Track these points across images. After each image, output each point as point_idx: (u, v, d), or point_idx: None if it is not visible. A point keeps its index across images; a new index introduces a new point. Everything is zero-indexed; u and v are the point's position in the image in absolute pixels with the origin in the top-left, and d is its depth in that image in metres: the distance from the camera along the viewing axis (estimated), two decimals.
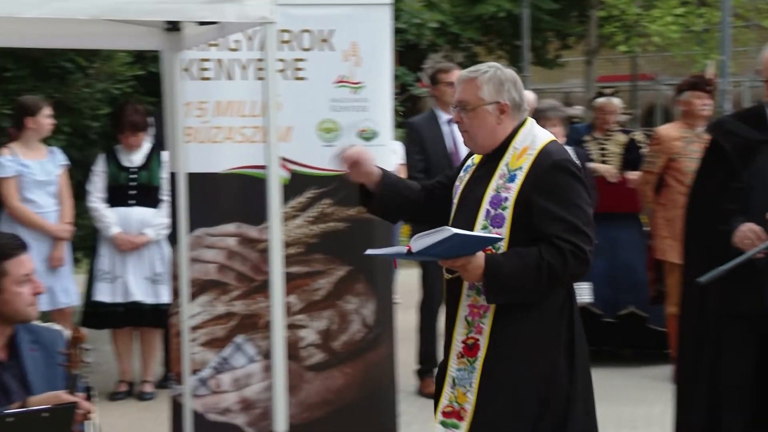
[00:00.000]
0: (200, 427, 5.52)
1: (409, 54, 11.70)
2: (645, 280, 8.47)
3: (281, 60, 5.51)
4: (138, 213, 7.77)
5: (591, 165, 8.43)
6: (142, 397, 7.89)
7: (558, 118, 8.03)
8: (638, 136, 9.05)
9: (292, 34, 5.63)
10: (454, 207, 4.41)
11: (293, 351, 5.54)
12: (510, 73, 4.38)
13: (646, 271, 8.47)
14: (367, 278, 5.68)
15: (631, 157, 8.73)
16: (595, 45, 25.98)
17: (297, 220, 5.63)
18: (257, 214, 5.15)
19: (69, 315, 7.71)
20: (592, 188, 7.99)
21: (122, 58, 8.39)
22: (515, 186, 4.20)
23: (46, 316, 7.01)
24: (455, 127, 6.95)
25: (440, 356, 4.50)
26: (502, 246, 4.17)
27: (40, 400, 3.64)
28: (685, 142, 7.98)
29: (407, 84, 14.72)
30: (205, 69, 5.62)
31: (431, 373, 7.38)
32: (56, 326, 4.24)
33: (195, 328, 5.62)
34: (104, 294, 7.74)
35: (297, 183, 5.63)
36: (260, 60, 5.30)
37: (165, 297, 7.57)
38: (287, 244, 5.35)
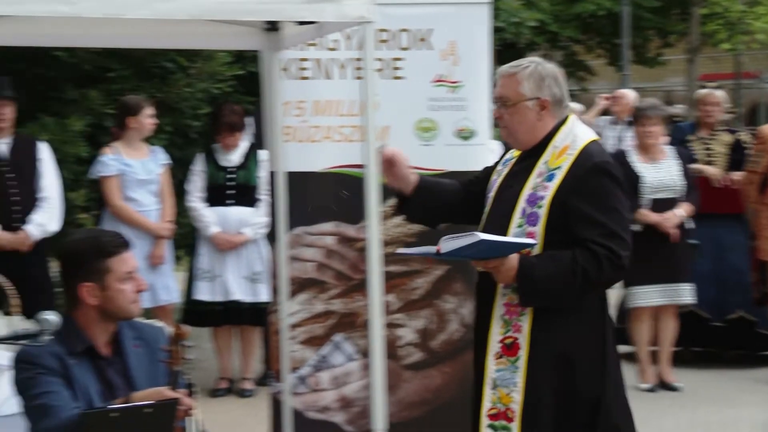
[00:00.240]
0: (299, 424, 5.55)
1: (507, 53, 11.64)
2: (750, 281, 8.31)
3: (379, 59, 5.51)
4: (236, 212, 7.84)
5: (695, 166, 8.27)
6: (242, 394, 7.97)
7: (658, 117, 7.93)
8: (744, 136, 8.75)
9: (391, 33, 5.63)
10: (490, 201, 4.33)
11: (391, 350, 5.54)
12: (551, 68, 4.29)
13: (750, 273, 8.31)
14: (465, 278, 5.65)
15: (736, 158, 8.51)
16: (697, 43, 25.58)
17: (395, 218, 5.63)
18: (355, 213, 5.16)
19: (170, 312, 7.80)
20: (693, 188, 7.91)
21: (222, 58, 8.48)
22: (552, 185, 4.12)
23: (147, 313, 7.11)
24: None
25: None
26: (536, 247, 4.10)
27: (143, 396, 3.68)
28: None
29: None
30: (304, 68, 5.65)
31: None
32: (159, 323, 4.29)
33: (294, 327, 5.65)
34: (204, 293, 7.83)
35: None
36: (358, 59, 5.31)
37: (263, 295, 7.63)
38: (385, 243, 5.34)
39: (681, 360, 8.40)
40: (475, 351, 4.32)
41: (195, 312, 7.87)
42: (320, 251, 5.74)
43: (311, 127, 5.66)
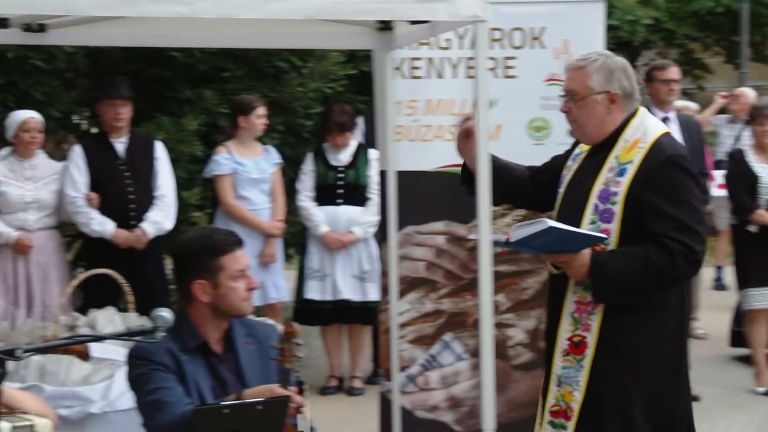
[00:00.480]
0: (408, 423, 5.54)
1: (621, 51, 11.48)
2: None
3: (492, 58, 5.49)
4: (345, 212, 7.87)
5: None
6: (351, 392, 8.00)
7: None
8: None
9: (503, 32, 5.60)
10: (560, 197, 4.29)
11: (501, 350, 5.51)
12: (621, 61, 4.23)
13: None
14: None
15: None
16: None
17: (506, 218, 5.59)
18: (466, 213, 5.14)
19: (279, 310, 7.88)
20: None
21: (335, 57, 8.52)
22: (625, 180, 4.06)
23: (257, 311, 7.19)
24: (671, 125, 6.78)
25: None
26: (612, 243, 4.03)
27: (255, 393, 3.71)
28: None
29: None
30: (416, 68, 5.66)
31: None
32: (270, 321, 4.33)
33: (403, 326, 5.66)
34: (314, 292, 7.87)
35: None
36: (471, 58, 5.28)
37: (373, 294, 7.66)
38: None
39: None
40: (545, 346, 4.31)
41: (305, 311, 7.93)
42: (430, 250, 5.73)
43: (423, 126, 5.67)
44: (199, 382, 3.85)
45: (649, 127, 4.18)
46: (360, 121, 8.20)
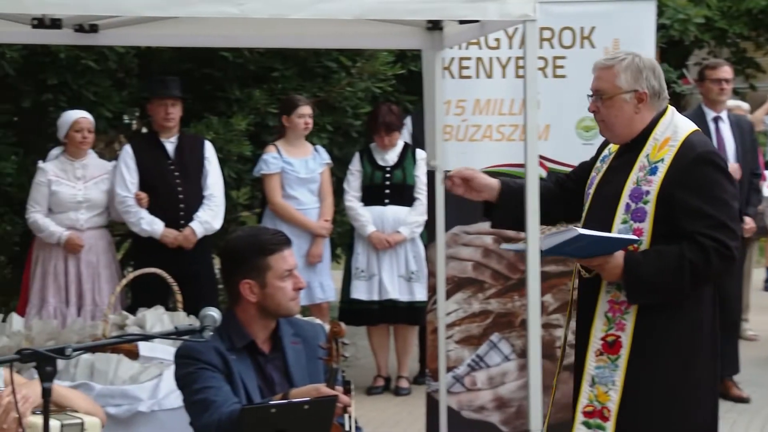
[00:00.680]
0: (455, 423, 5.53)
1: (672, 50, 11.37)
2: None
3: (541, 58, 5.47)
4: (392, 212, 7.86)
5: None
6: (398, 392, 7.99)
7: None
8: None
9: (553, 31, 5.57)
10: (589, 198, 4.26)
11: (548, 350, 5.47)
12: (649, 60, 4.21)
13: None
14: None
15: None
16: None
17: None
18: None
19: (325, 310, 7.88)
20: None
21: (384, 57, 8.52)
22: (657, 179, 4.04)
23: (303, 311, 7.20)
24: (722, 125, 6.71)
25: None
26: (644, 242, 4.00)
27: (301, 392, 3.71)
28: None
29: (670, 81, 14.33)
30: (465, 67, 5.64)
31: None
32: (317, 320, 4.33)
33: (451, 326, 5.65)
34: (360, 292, 7.87)
35: None
36: (520, 58, 5.26)
37: (419, 295, 7.65)
38: None
39: None
40: (576, 345, 4.28)
41: (351, 311, 7.92)
42: (478, 250, 5.72)
43: (471, 126, 5.65)
44: (246, 382, 3.86)
45: (678, 125, 4.17)
46: (407, 121, 8.19)
